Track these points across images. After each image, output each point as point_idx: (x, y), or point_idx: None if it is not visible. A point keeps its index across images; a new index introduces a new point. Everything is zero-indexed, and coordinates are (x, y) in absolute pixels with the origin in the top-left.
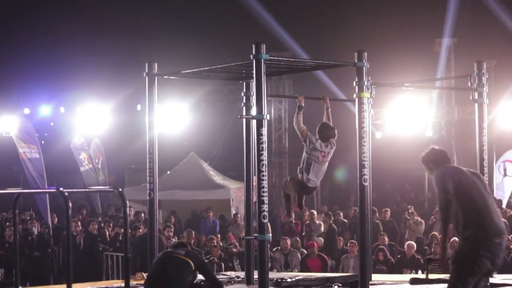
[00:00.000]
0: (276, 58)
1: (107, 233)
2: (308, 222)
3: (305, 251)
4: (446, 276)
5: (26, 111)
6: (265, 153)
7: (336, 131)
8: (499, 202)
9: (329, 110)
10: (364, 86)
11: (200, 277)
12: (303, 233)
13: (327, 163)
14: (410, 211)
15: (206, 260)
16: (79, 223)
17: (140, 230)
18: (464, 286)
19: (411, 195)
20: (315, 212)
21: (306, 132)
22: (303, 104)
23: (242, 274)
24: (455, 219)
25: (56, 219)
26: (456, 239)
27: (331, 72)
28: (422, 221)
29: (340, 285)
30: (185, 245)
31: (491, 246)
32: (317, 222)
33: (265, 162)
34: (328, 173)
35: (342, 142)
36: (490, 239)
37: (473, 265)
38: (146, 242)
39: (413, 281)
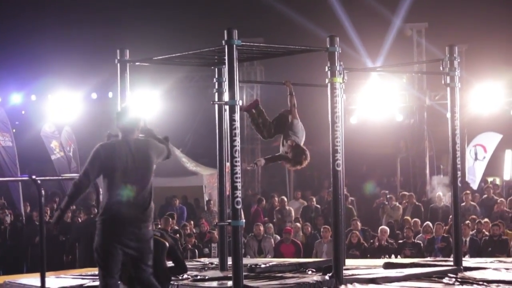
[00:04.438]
0: (248, 43)
1: (79, 220)
2: (278, 208)
3: (278, 237)
4: (420, 260)
5: None
6: (238, 139)
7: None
8: (467, 185)
9: (293, 95)
10: (337, 71)
11: None
12: (274, 220)
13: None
14: (388, 196)
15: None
16: (48, 211)
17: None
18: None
19: (384, 180)
20: (285, 198)
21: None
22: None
23: (216, 260)
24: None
25: (29, 207)
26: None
27: (303, 58)
28: (400, 206)
29: (313, 270)
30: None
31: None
32: (287, 208)
33: (238, 148)
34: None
35: (315, 128)
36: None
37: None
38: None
39: (387, 266)
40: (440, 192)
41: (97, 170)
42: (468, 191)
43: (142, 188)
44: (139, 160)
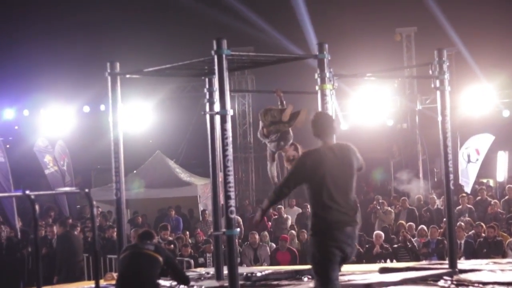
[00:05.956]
0: (237, 53)
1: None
2: (276, 217)
3: (274, 245)
4: (415, 264)
5: None
6: (230, 148)
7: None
8: (460, 187)
9: (284, 103)
10: (326, 78)
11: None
12: (270, 229)
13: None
14: (380, 201)
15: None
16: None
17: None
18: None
19: (378, 184)
20: (282, 207)
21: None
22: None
23: (212, 270)
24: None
25: (21, 223)
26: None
27: (294, 65)
28: (392, 210)
29: (310, 277)
30: (152, 236)
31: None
32: (284, 216)
33: (231, 157)
34: None
35: (307, 136)
36: (331, 230)
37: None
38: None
39: (383, 270)
40: (434, 195)
41: (300, 179)
42: (464, 194)
43: (349, 192)
44: (344, 165)
